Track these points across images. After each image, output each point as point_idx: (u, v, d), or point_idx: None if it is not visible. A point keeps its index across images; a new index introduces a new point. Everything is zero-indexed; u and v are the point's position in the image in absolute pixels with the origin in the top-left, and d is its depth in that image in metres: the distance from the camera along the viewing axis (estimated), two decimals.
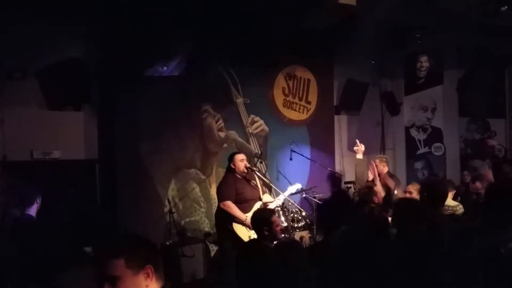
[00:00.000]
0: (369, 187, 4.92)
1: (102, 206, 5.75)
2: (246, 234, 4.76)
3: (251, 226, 4.71)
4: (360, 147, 5.53)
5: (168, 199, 5.97)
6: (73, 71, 5.54)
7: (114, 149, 5.81)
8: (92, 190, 5.74)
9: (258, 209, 4.29)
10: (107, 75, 5.74)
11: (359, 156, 5.58)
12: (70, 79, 5.54)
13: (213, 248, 6.22)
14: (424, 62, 8.23)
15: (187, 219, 6.28)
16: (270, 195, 5.84)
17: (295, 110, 7.44)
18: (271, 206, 5.24)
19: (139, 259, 1.75)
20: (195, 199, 6.37)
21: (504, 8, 5.82)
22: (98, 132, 5.85)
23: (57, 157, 5.50)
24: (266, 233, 3.69)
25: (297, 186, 5.75)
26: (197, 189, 6.39)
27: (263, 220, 3.74)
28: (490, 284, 2.52)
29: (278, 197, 5.42)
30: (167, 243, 5.62)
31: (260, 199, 5.25)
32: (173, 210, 5.82)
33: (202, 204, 6.41)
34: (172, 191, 6.18)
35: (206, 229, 6.34)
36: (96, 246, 4.21)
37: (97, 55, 5.71)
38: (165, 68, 5.81)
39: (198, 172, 6.42)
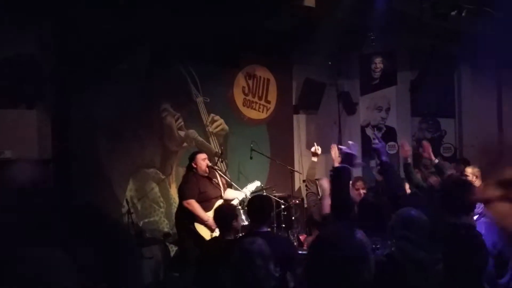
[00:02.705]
0: None
1: (56, 207, 5.55)
2: (208, 233, 4.74)
3: (212, 227, 4.70)
4: (317, 150, 5.52)
5: (126, 200, 5.82)
6: (25, 68, 5.30)
7: (69, 148, 5.61)
8: (46, 190, 5.53)
9: (222, 205, 4.27)
10: (62, 72, 5.54)
11: (314, 159, 5.63)
12: (22, 76, 5.30)
13: (173, 249, 6.15)
14: (378, 63, 8.46)
15: (146, 220, 6.17)
16: None
17: (255, 109, 7.49)
18: (233, 203, 5.25)
19: None
20: (154, 199, 6.27)
21: (454, 13, 6.12)
22: (52, 131, 5.62)
23: (9, 156, 5.26)
24: (235, 223, 3.69)
25: (256, 183, 5.77)
26: (157, 189, 6.29)
27: (230, 214, 3.75)
28: None
29: (238, 195, 5.40)
30: None
31: (222, 197, 5.24)
32: (132, 210, 5.70)
33: (162, 204, 6.32)
34: (130, 191, 6.04)
35: (166, 230, 6.25)
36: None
37: (51, 51, 5.51)
38: (123, 65, 5.69)
39: (158, 171, 6.33)
